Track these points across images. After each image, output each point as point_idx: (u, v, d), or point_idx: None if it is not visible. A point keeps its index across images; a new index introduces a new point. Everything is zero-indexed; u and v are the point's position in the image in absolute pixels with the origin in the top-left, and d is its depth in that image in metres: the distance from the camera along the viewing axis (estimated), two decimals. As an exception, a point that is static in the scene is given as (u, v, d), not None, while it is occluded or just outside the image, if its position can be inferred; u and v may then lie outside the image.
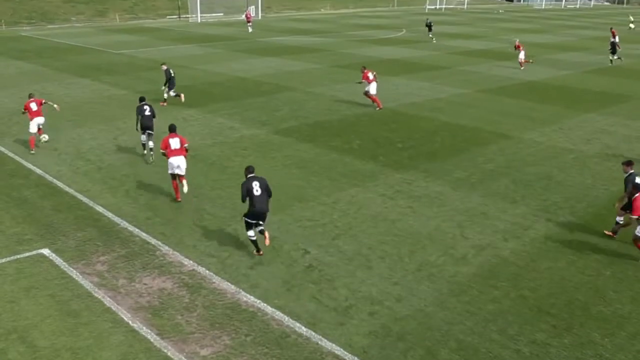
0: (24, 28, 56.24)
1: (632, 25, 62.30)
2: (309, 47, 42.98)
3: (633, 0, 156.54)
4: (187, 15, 66.80)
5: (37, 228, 12.70)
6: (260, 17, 68.45)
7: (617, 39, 39.20)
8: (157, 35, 50.05)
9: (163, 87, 24.01)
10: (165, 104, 23.78)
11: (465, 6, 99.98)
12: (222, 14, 67.77)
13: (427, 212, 13.86)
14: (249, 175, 11.63)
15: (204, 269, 11.10)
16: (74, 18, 64.19)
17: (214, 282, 10.64)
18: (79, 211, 13.63)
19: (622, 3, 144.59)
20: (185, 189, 13.96)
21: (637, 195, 11.70)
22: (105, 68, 32.87)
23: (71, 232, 12.51)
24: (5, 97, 25.32)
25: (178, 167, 13.95)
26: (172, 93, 23.77)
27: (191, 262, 11.36)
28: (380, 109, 23.61)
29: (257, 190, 11.37)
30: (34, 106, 17.89)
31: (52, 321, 9.40)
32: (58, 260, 11.32)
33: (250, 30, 53.08)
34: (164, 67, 23.81)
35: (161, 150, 14.20)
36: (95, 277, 10.75)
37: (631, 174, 12.56)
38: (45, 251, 11.66)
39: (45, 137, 18.15)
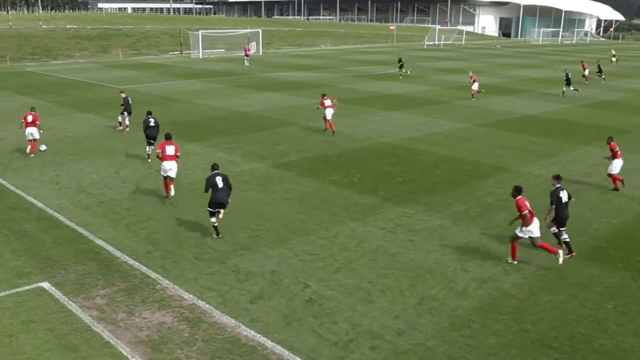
0: (29, 64, 56.99)
1: (614, 59, 65.34)
2: (309, 83, 43.51)
3: (628, 36, 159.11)
4: (189, 52, 67.78)
5: (37, 261, 12.69)
6: (261, 53, 69.43)
7: (587, 72, 44.33)
8: (159, 70, 50.70)
9: (124, 115, 25.68)
10: (121, 128, 25.83)
11: (463, 42, 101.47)
12: (223, 50, 68.76)
13: (427, 246, 13.87)
14: (214, 172, 13.86)
15: (204, 302, 11.06)
16: (78, 54, 65.11)
17: (214, 316, 10.60)
18: (79, 245, 13.64)
19: (618, 39, 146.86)
20: (173, 192, 16.55)
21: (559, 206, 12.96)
22: (108, 103, 33.17)
23: (71, 266, 12.50)
24: (8, 132, 25.52)
25: (170, 169, 16.41)
26: (125, 119, 25.65)
27: (191, 295, 11.32)
28: (333, 133, 25.29)
29: (219, 184, 13.58)
30: (29, 118, 21.24)
31: (51, 355, 9.33)
32: (58, 293, 11.29)
33: (247, 64, 55.03)
34: (123, 95, 25.87)
35: (157, 151, 16.72)
36: (95, 310, 10.71)
37: (557, 187, 13.40)
38: (45, 284, 11.64)
39: (43, 147, 21.55)
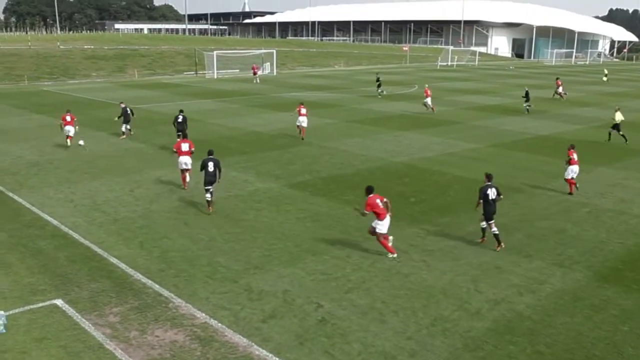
0: (46, 83, 57.92)
1: (605, 78, 69.42)
2: (322, 103, 43.75)
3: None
4: (204, 72, 68.53)
5: (52, 278, 12.79)
6: (275, 73, 70.00)
7: (560, 89, 47.94)
8: (174, 90, 51.27)
9: (124, 125, 29.00)
10: (124, 136, 28.86)
11: (477, 62, 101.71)
12: (237, 71, 69.41)
13: (440, 266, 13.79)
14: (209, 156, 17.48)
15: (216, 321, 11.06)
16: (94, 74, 66.09)
17: (226, 335, 10.58)
18: (93, 262, 13.73)
19: (632, 59, 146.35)
20: (188, 178, 19.61)
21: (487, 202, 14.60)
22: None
23: (85, 283, 12.58)
24: (25, 149, 25.89)
25: (185, 164, 19.50)
26: (124, 128, 28.88)
27: (204, 314, 11.32)
28: (303, 139, 28.60)
29: (210, 168, 17.18)
30: (67, 118, 26.03)
31: (64, 373, 9.35)
32: (71, 311, 11.34)
33: (257, 81, 58.45)
34: (122, 106, 29.23)
35: (173, 149, 20.08)
36: (108, 328, 10.75)
37: (486, 185, 14.84)
38: (59, 302, 11.71)
39: (81, 142, 25.42)
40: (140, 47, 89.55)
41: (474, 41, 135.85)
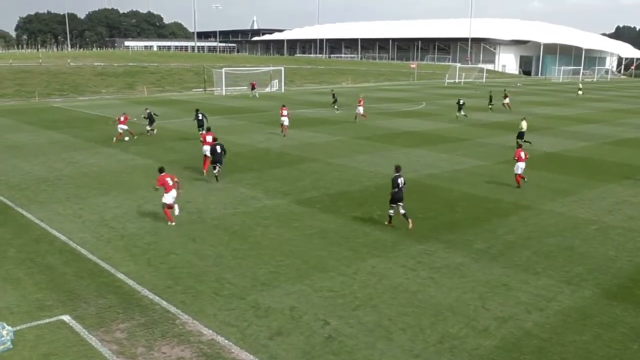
0: (56, 99, 58.50)
1: (580, 92, 73.29)
2: (330, 120, 43.91)
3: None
4: (213, 89, 69.01)
5: (59, 294, 12.82)
6: (283, 90, 70.38)
7: (507, 100, 52.67)
8: (183, 107, 51.60)
9: (148, 126, 35.05)
10: (149, 134, 34.79)
11: (484, 80, 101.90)
12: (246, 88, 69.84)
13: (448, 283, 13.73)
14: (215, 142, 23.17)
15: (223, 338, 11.04)
16: (104, 90, 66.71)
17: (233, 352, 10.56)
18: (100, 278, 13.77)
19: (639, 77, 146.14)
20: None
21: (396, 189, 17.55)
22: (132, 138, 33.82)
23: (92, 299, 12.60)
24: (35, 165, 26.10)
25: (207, 150, 23.90)
26: (148, 127, 35.03)
27: (210, 331, 11.31)
28: (284, 135, 33.93)
29: (218, 150, 22.77)
30: (121, 118, 32.91)
31: (70, 389, 9.34)
32: (78, 327, 11.36)
33: (256, 95, 62.40)
34: (148, 111, 35.47)
35: (201, 141, 25.26)
36: (115, 344, 10.75)
37: (396, 176, 17.72)
38: (66, 317, 11.73)
39: (127, 138, 32.83)
40: (149, 64, 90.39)
41: (481, 58, 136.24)
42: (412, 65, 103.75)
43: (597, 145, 34.03)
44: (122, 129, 32.62)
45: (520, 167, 23.29)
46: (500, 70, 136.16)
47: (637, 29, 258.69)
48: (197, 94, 67.23)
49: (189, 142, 32.86)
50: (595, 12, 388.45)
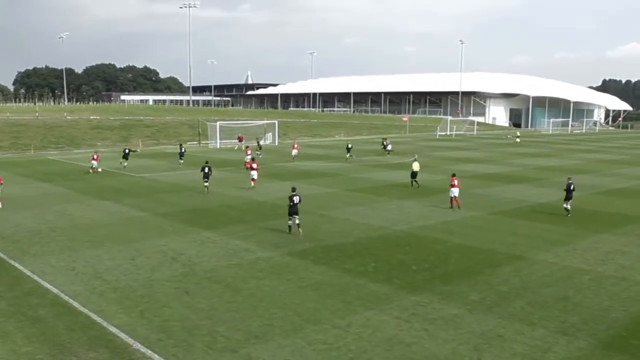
0: (52, 152, 58.80)
1: (518, 140, 78.58)
2: (323, 172, 44.28)
3: (637, 125, 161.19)
4: (207, 142, 69.59)
5: (50, 348, 12.65)
6: (276, 144, 71.08)
7: (389, 147, 59.69)
8: (177, 159, 51.83)
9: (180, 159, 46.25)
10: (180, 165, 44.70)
11: (475, 132, 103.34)
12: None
13: (443, 335, 13.65)
14: (205, 164, 32.78)
15: (215, 392, 10.87)
16: (100, 143, 67.17)
17: (226, 407, 10.38)
18: (92, 331, 13.61)
19: (627, 128, 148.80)
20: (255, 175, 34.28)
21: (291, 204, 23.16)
22: (127, 190, 33.95)
23: (83, 353, 12.44)
24: (28, 218, 26.05)
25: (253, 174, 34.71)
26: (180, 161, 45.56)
27: (203, 385, 11.14)
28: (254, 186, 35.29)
29: (206, 170, 32.77)
30: (95, 156, 41.98)
31: None
32: (69, 382, 11.18)
33: (242, 148, 62.60)
34: (126, 150, 45.12)
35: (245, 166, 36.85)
36: (105, 400, 10.56)
37: (292, 195, 23.28)
38: (57, 372, 11.55)
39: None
40: (145, 117, 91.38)
41: (472, 111, 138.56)
42: (404, 119, 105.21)
43: (588, 196, 34.35)
44: (93, 165, 41.19)
45: (454, 192, 28.95)
46: (490, 122, 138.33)
47: (623, 81, 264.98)
48: (192, 146, 67.74)
49: (181, 194, 33.00)
50: (582, 66, 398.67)
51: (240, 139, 65.37)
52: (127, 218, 26.51)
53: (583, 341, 13.34)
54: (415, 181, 36.11)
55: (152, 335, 13.42)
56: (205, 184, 32.87)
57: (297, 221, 23.04)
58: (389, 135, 75.83)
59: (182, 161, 47.00)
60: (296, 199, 23.07)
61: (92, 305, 15.23)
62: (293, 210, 23.00)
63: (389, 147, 59.95)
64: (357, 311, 15.12)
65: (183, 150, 48.01)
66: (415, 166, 36.58)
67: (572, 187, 28.24)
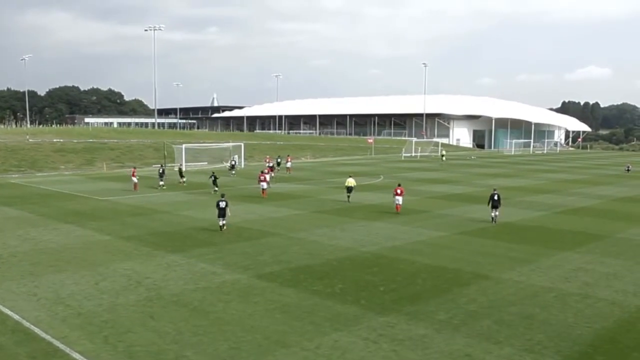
0: (13, 176, 57.39)
1: (444, 159, 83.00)
2: (291, 194, 44.25)
3: (595, 145, 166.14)
4: (173, 164, 68.90)
5: (10, 378, 12.24)
6: (243, 166, 70.83)
7: (289, 164, 63.32)
8: (143, 183, 51.15)
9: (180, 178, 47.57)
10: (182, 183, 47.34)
11: (439, 153, 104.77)
12: (206, 163, 70.06)
13: (411, 356, 13.68)
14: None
15: (183, 419, 10.66)
16: (63, 166, 65.88)
17: None
18: (55, 359, 13.23)
19: (586, 148, 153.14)
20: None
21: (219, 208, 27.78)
22: (90, 214, 33.30)
23: (45, 382, 12.07)
24: (-13, 244, 25.28)
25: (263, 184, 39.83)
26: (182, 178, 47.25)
27: (170, 411, 10.92)
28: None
29: (181, 179, 44.18)
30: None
31: None
32: (30, 412, 10.82)
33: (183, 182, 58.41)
34: (175, 169, 48.04)
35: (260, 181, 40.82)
36: None
37: (220, 200, 28.06)
38: (17, 403, 11.17)
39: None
40: (109, 140, 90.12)
41: (436, 132, 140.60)
42: (369, 140, 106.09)
43: (551, 215, 35.10)
44: (134, 181, 45.38)
45: (398, 199, 34.30)
46: (454, 143, 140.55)
47: (582, 103, 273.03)
48: (157, 169, 66.98)
49: (146, 217, 32.54)
50: (542, 88, 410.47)
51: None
52: (91, 242, 25.98)
53: (549, 358, 13.53)
54: (349, 196, 39.16)
55: (117, 362, 13.10)
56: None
57: (223, 222, 28.26)
58: (352, 157, 76.30)
59: (162, 182, 46.79)
60: (222, 204, 28.04)
61: (54, 332, 14.82)
62: (221, 213, 28.11)
63: (289, 165, 63.67)
64: (325, 333, 15.06)
65: (162, 171, 47.80)
66: (351, 181, 39.44)
67: (496, 197, 31.61)
